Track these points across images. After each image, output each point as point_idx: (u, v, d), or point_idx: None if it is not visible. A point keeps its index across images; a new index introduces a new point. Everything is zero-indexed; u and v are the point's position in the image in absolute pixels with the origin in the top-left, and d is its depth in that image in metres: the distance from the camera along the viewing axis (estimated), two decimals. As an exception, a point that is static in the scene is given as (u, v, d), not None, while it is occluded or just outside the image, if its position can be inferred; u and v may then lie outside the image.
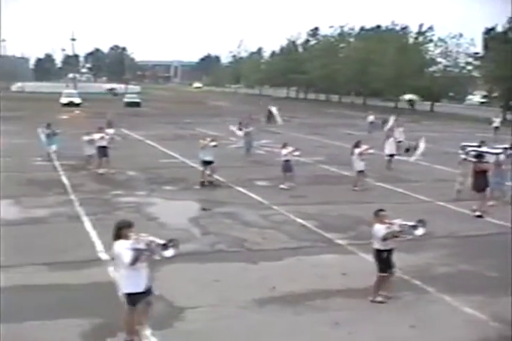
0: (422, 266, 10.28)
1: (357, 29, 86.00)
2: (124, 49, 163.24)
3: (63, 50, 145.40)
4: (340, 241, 11.77)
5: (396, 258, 8.66)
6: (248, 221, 13.25)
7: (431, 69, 68.14)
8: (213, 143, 17.65)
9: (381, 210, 8.57)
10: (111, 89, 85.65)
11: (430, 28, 67.96)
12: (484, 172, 14.20)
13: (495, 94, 64.41)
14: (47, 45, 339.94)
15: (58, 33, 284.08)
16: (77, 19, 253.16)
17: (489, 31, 65.73)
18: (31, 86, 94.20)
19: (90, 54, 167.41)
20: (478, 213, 13.96)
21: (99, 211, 13.84)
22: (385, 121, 31.28)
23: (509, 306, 8.38)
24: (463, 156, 16.68)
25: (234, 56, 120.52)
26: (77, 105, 55.85)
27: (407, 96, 55.47)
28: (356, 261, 10.44)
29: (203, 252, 10.89)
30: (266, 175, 18.91)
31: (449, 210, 14.77)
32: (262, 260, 10.45)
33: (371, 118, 36.23)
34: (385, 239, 8.33)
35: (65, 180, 17.86)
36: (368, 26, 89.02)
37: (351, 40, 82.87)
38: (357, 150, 17.20)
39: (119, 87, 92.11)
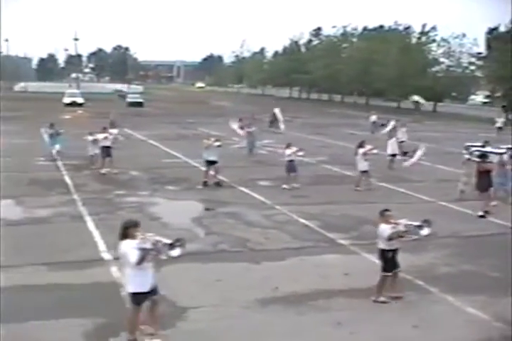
0: (425, 266, 10.28)
1: (360, 29, 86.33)
2: (126, 49, 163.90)
3: (66, 50, 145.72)
4: (342, 241, 11.77)
5: (399, 258, 8.66)
6: (251, 221, 13.25)
7: (434, 69, 67.92)
8: (217, 143, 17.64)
9: (386, 210, 8.57)
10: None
11: (433, 28, 67.84)
12: (488, 172, 14.17)
13: (498, 94, 64.22)
14: (50, 45, 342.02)
15: (61, 33, 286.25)
16: (80, 19, 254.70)
17: (492, 31, 65.78)
18: (34, 86, 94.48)
19: (93, 54, 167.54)
20: (480, 213, 13.94)
21: (101, 211, 13.86)
22: (385, 124, 31.04)
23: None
24: (467, 156, 16.67)
25: (237, 56, 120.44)
26: (80, 105, 55.87)
27: (415, 98, 55.27)
28: (359, 261, 10.45)
29: (205, 252, 10.89)
30: (268, 175, 18.90)
31: (451, 210, 14.74)
32: (264, 260, 10.45)
33: (373, 118, 36.16)
34: (390, 239, 8.33)
35: (67, 179, 17.88)
36: (370, 26, 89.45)
37: (354, 40, 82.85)
38: (361, 151, 17.16)
39: (122, 86, 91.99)
